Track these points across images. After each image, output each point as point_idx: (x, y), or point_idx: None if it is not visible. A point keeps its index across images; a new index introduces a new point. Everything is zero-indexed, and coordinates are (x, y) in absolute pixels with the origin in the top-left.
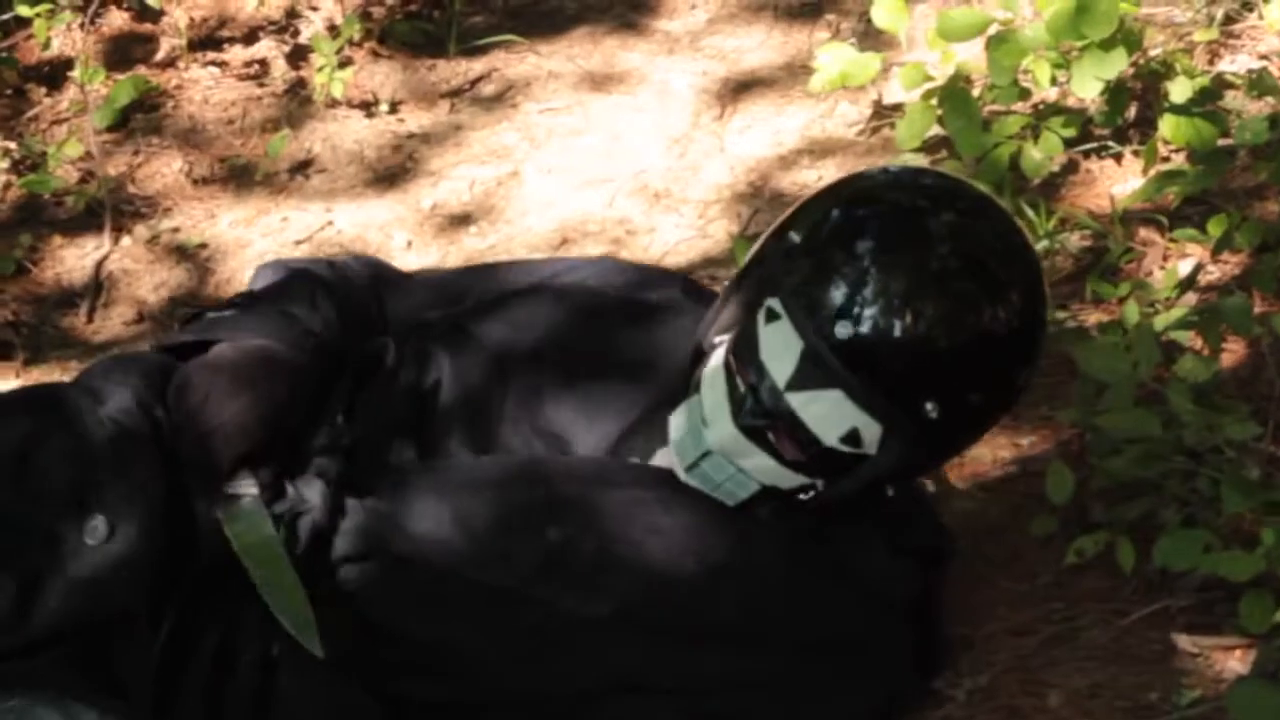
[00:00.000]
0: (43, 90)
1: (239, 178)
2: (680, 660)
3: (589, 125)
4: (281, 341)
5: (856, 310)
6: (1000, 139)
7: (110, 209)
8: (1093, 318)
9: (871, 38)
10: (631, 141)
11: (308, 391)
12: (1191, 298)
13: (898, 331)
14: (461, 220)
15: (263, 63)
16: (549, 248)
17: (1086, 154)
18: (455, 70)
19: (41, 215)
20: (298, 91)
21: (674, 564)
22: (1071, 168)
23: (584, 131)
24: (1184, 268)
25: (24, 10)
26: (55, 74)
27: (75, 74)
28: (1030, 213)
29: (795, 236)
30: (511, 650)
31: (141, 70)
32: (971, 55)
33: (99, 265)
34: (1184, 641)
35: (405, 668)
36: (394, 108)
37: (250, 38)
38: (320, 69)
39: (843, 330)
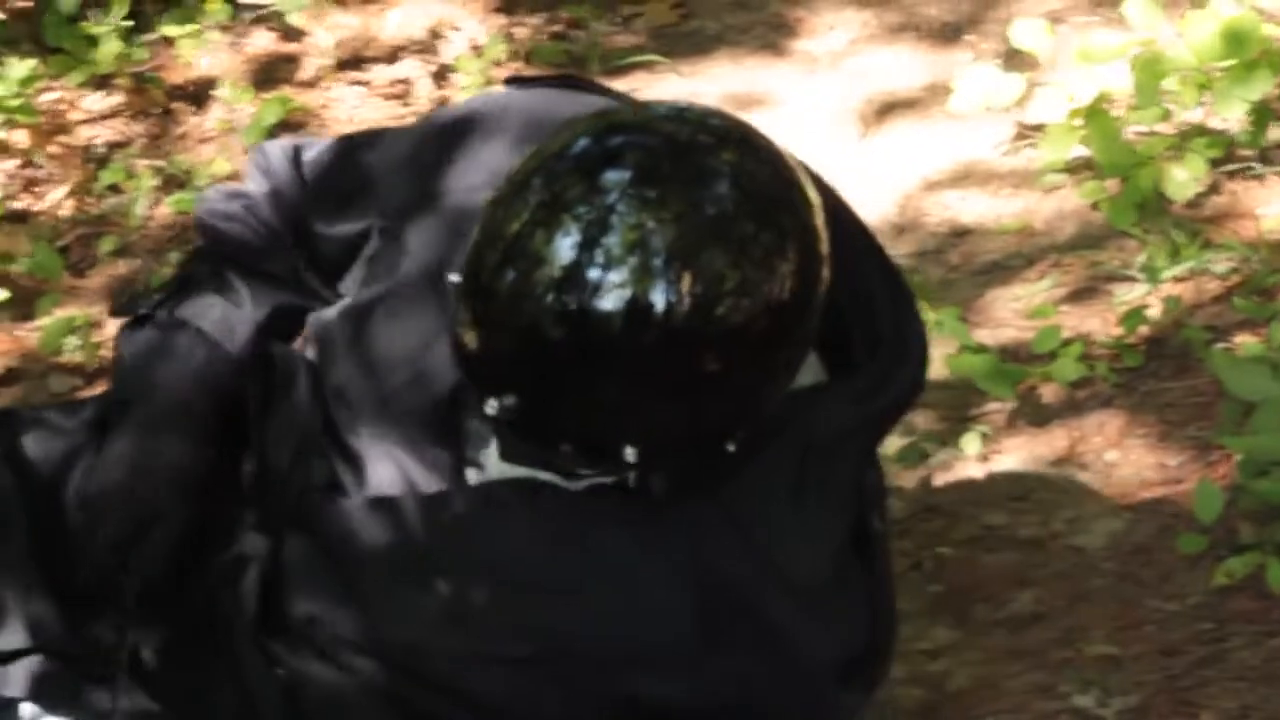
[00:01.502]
0: (190, 109)
1: None
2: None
3: None
4: (203, 382)
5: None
6: (1144, 160)
7: None
8: (1239, 339)
9: (1013, 58)
10: None
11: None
12: None
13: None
14: None
15: (406, 82)
16: None
17: (1231, 175)
18: None
19: (190, 234)
20: None
21: (582, 588)
22: (1215, 189)
23: None
24: None
25: (170, 30)
26: (201, 93)
27: (221, 93)
28: (1175, 235)
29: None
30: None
31: (286, 90)
32: (1115, 76)
33: None
34: None
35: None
36: None
37: (393, 57)
38: (464, 88)
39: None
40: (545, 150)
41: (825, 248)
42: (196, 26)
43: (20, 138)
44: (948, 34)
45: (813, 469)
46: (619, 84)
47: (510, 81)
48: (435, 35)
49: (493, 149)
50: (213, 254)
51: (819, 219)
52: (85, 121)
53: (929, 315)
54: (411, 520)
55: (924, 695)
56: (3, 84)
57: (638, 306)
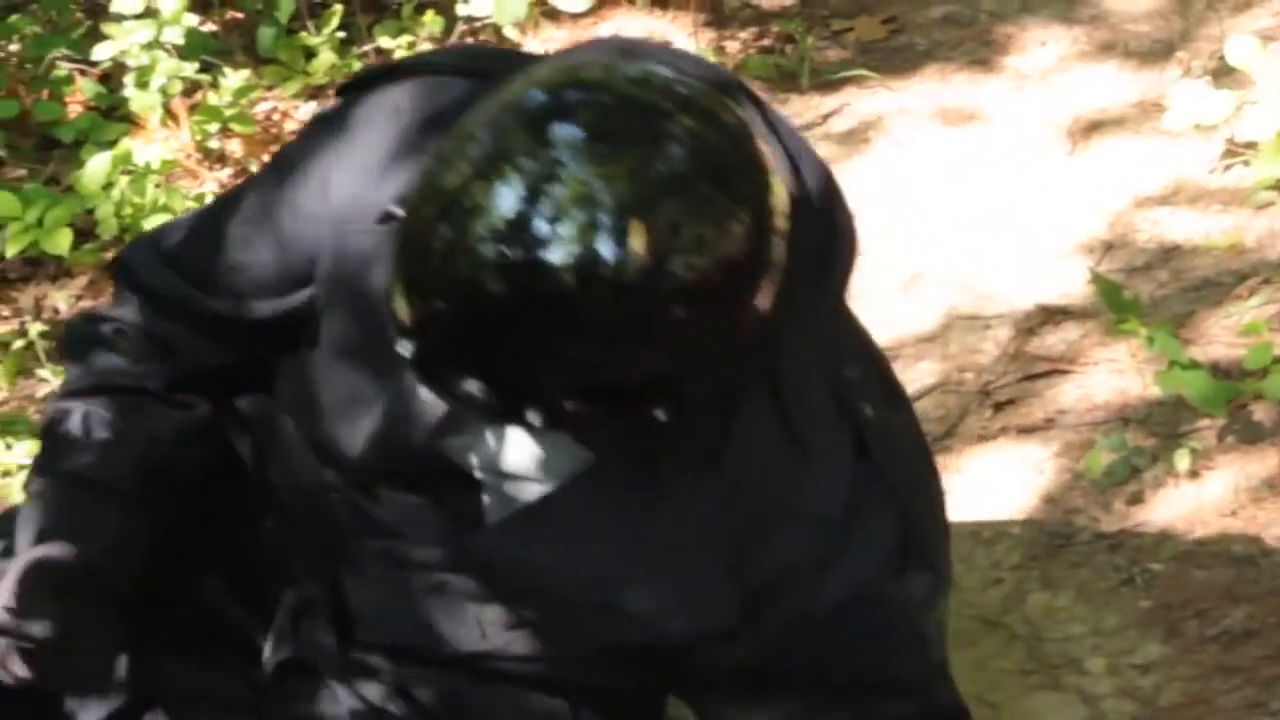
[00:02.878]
0: None
1: None
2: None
3: (939, 161)
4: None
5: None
6: None
7: None
8: None
9: (1224, 75)
10: (981, 177)
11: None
12: None
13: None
14: None
15: None
16: (899, 283)
17: None
18: (808, 104)
19: None
20: None
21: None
22: None
23: (934, 167)
24: None
25: (385, 41)
26: None
27: None
28: None
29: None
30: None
31: None
32: None
33: None
34: None
35: None
36: None
37: None
38: None
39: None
40: (493, 103)
41: (782, 220)
42: (411, 38)
43: (235, 147)
44: (1158, 51)
45: (795, 411)
46: (830, 99)
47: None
48: None
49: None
50: (82, 390)
51: (778, 190)
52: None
53: (1140, 331)
54: (454, 551)
55: (1135, 710)
56: (218, 94)
57: (586, 260)
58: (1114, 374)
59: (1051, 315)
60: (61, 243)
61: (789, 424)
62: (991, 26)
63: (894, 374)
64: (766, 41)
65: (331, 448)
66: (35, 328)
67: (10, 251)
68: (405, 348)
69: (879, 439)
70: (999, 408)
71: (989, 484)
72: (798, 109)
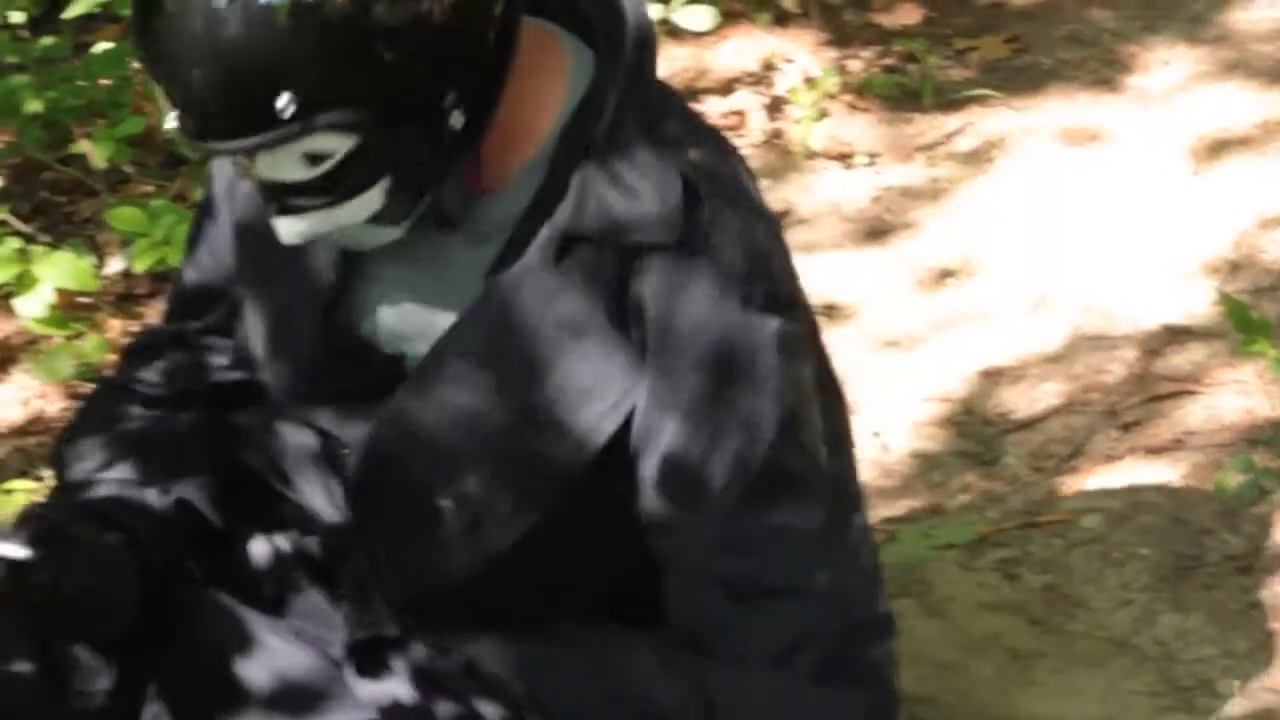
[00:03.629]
0: None
1: None
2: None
3: (1064, 180)
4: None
5: None
6: None
7: None
8: None
9: None
10: (1105, 197)
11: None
12: None
13: None
14: (940, 274)
15: (740, 114)
16: (1025, 302)
17: None
18: (931, 124)
19: None
20: (775, 143)
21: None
22: None
23: (1059, 186)
24: None
25: None
26: None
27: None
28: None
29: None
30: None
31: None
32: None
33: None
34: None
35: None
36: (871, 160)
37: (727, 89)
38: (798, 121)
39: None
40: None
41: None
42: None
43: None
44: None
45: (616, 161)
46: (953, 118)
47: None
48: (768, 67)
49: None
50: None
51: None
52: None
53: (1268, 351)
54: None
55: None
56: None
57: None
58: (1241, 395)
59: (1177, 336)
60: None
61: (613, 175)
62: (1114, 46)
63: (731, 145)
64: (889, 60)
65: (285, 395)
66: None
67: (138, 267)
68: (174, 123)
69: (706, 180)
70: (1126, 428)
71: (1117, 505)
72: (921, 128)
